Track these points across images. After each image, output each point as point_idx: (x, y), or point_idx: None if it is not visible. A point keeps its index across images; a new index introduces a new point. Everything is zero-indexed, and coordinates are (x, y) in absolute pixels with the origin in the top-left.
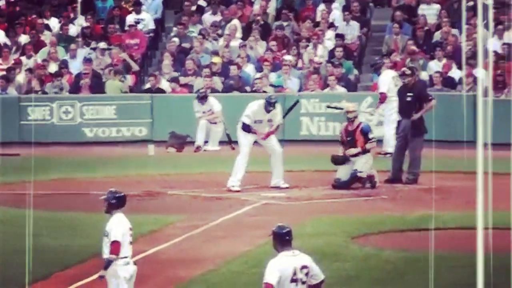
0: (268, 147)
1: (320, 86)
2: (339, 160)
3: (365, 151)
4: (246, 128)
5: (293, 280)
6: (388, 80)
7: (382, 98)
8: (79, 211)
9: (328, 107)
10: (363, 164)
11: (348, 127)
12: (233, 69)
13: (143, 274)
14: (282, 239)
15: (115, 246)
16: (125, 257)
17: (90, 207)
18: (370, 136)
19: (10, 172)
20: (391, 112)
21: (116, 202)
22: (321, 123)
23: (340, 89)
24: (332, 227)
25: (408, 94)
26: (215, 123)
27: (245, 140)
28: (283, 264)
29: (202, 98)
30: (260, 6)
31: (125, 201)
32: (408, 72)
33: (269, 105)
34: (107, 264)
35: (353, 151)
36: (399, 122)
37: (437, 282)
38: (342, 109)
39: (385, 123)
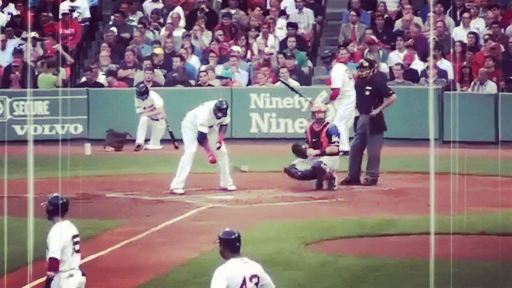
0: (215, 148)
1: (271, 79)
2: (300, 152)
3: (324, 154)
4: (203, 139)
5: None
6: (340, 74)
7: (334, 94)
8: (9, 215)
9: (281, 82)
10: (328, 159)
11: (313, 126)
12: (176, 61)
13: None
14: (230, 245)
15: (52, 263)
16: (70, 269)
17: (21, 211)
18: (334, 139)
19: None
20: (345, 108)
21: (55, 209)
22: (272, 120)
23: (293, 83)
24: (284, 233)
25: (367, 88)
26: (157, 119)
27: (190, 138)
28: (232, 272)
29: (143, 93)
30: None
31: (67, 207)
32: (366, 64)
33: (220, 111)
34: (47, 283)
35: (312, 151)
36: (356, 118)
37: None
38: (293, 89)
39: (336, 119)
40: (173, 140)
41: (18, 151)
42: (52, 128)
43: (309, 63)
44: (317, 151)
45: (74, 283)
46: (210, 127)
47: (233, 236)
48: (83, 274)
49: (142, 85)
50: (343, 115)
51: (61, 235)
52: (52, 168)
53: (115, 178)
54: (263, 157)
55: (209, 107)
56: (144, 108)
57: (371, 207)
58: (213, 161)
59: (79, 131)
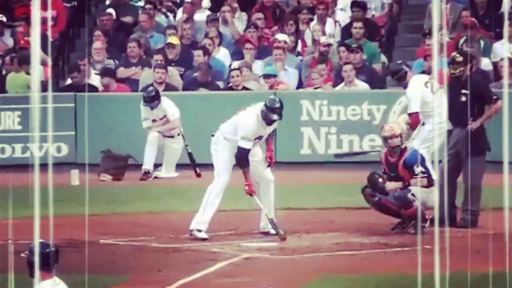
0: (258, 172)
1: (330, 80)
2: (377, 185)
3: (407, 187)
4: (245, 160)
5: None
6: (419, 92)
7: (414, 121)
8: None
9: (337, 156)
10: (420, 189)
11: (388, 157)
12: (198, 56)
13: None
14: None
15: None
16: None
17: None
18: (416, 170)
19: None
20: (431, 129)
21: (41, 261)
22: (331, 137)
23: (361, 85)
24: None
25: (462, 92)
26: (172, 136)
27: (224, 160)
28: None
29: (152, 100)
30: None
31: (57, 259)
32: (460, 58)
33: (273, 112)
34: None
35: (392, 185)
36: (449, 132)
37: None
38: (363, 153)
39: (417, 141)
40: (193, 165)
41: None
42: (26, 149)
43: (383, 58)
44: (398, 184)
45: None
46: (257, 138)
47: None
48: None
49: (151, 88)
50: (427, 137)
51: None
52: (26, 204)
53: (113, 218)
54: (319, 189)
55: (254, 112)
56: (154, 120)
57: (470, 257)
58: (251, 192)
59: (63, 153)
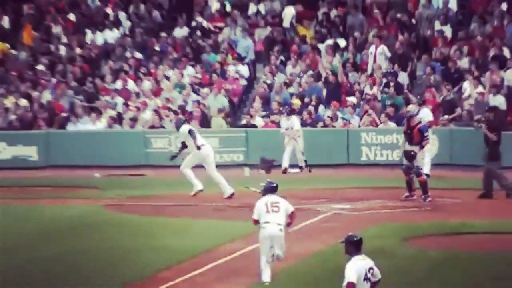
0: None
1: (374, 122)
2: (409, 157)
3: (422, 147)
4: None
5: (365, 279)
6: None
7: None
8: (191, 217)
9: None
10: (421, 160)
11: (410, 121)
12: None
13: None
14: (354, 246)
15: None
16: None
17: (200, 214)
18: (425, 134)
19: (135, 188)
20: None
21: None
22: (377, 151)
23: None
24: (387, 232)
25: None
26: (296, 140)
27: None
28: (358, 266)
29: (289, 114)
30: None
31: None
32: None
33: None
34: None
35: (409, 147)
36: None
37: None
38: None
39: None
40: (307, 165)
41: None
42: (221, 157)
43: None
44: (417, 148)
45: None
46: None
47: (357, 239)
48: None
49: (288, 108)
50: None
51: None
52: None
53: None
54: (371, 178)
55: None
56: (286, 129)
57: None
58: None
59: (240, 159)
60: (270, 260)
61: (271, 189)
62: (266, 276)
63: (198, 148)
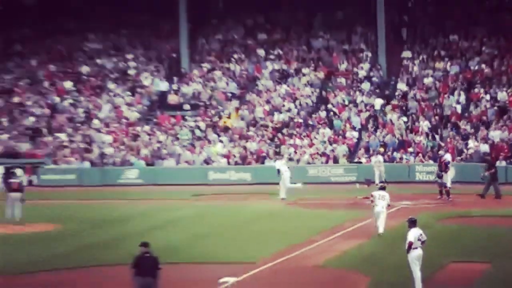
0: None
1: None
2: (440, 177)
3: (446, 172)
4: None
5: (418, 240)
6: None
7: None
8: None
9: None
10: (446, 178)
11: (441, 159)
12: None
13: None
14: (412, 223)
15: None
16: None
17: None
18: (448, 165)
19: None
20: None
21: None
22: (424, 174)
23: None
24: (427, 216)
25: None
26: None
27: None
28: (414, 233)
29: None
30: None
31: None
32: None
33: None
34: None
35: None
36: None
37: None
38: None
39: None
40: (367, 183)
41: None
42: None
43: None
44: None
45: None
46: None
47: (413, 219)
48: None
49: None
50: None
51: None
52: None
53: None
54: (421, 188)
55: None
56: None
57: (461, 206)
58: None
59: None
60: (378, 223)
61: (380, 187)
62: (381, 229)
63: None
